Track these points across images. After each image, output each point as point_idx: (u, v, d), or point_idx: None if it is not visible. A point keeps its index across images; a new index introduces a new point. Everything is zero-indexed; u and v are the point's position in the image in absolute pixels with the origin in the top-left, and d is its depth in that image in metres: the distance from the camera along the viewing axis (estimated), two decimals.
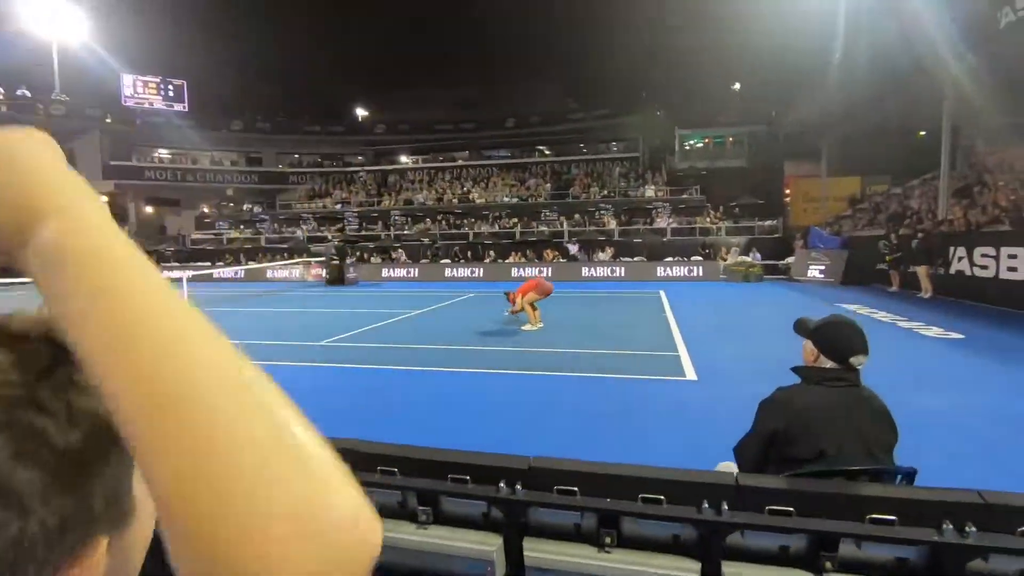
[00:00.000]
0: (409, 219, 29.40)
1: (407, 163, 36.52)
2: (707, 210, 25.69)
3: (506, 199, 29.65)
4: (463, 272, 22.54)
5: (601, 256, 22.48)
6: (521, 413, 5.35)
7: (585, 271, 21.37)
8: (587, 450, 4.30)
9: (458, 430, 4.90)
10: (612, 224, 25.69)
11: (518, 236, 25.82)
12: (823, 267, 18.29)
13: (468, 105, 36.47)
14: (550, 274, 21.40)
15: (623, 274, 20.98)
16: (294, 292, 18.72)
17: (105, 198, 22.94)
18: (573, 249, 23.29)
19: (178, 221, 34.34)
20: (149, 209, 34.66)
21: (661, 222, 25.27)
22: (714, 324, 10.68)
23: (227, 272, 22.62)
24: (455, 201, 30.35)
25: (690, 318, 11.20)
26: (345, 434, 4.93)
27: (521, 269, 21.96)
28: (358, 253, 24.84)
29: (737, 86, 32.78)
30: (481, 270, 22.48)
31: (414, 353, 8.08)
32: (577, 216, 26.66)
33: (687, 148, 32.16)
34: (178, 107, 33.92)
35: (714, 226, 24.27)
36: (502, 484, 1.92)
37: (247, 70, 36.01)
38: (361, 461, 2.09)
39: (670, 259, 21.45)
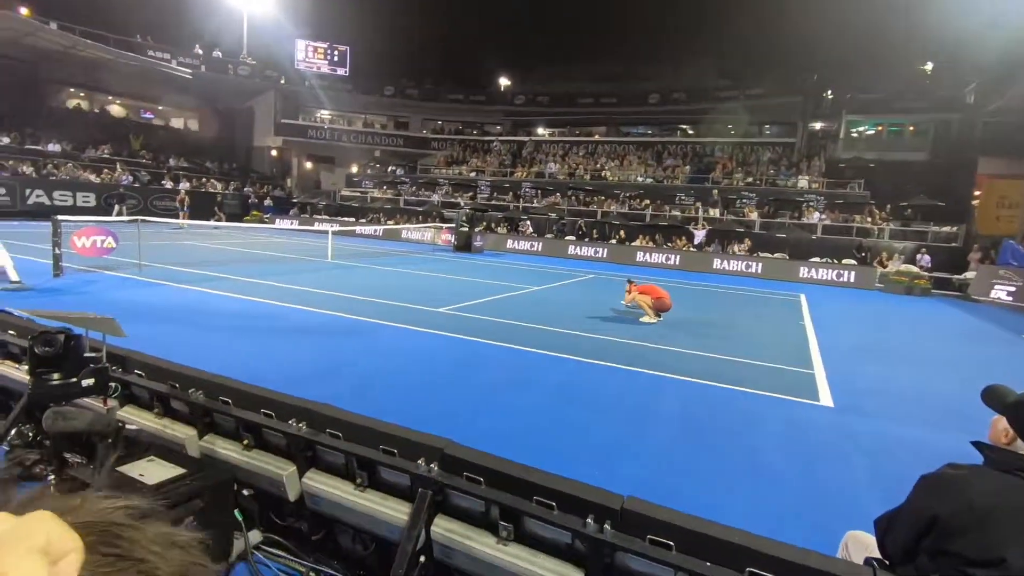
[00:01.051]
0: (539, 192, 29.44)
1: (543, 135, 36.44)
2: (870, 208, 22.72)
3: (640, 179, 28.53)
4: (587, 251, 22.20)
5: (737, 249, 20.89)
6: (621, 413, 5.11)
7: (717, 263, 20.02)
8: (685, 469, 3.97)
9: (554, 424, 4.79)
10: (753, 215, 23.71)
11: (648, 219, 24.81)
12: (1013, 288, 15.44)
13: (610, 79, 35.30)
14: (678, 263, 20.39)
15: (759, 270, 19.35)
16: (424, 255, 19.68)
17: (275, 152, 25.67)
18: (699, 236, 21.88)
19: (331, 177, 37.57)
20: (308, 165, 38.25)
21: (811, 217, 22.82)
22: (863, 342, 9.46)
23: (368, 229, 24.35)
24: (587, 177, 29.81)
25: (833, 330, 10.03)
26: (441, 407, 5.05)
27: (647, 254, 21.12)
28: (486, 222, 25.44)
29: (929, 66, 28.25)
30: (605, 251, 21.98)
31: (525, 332, 8.08)
32: (714, 201, 24.94)
33: (854, 136, 28.58)
34: (340, 72, 36.69)
35: (876, 227, 21.43)
36: (590, 520, 1.77)
37: (404, 37, 37.82)
38: (450, 462, 2.05)
39: (817, 259, 19.35)
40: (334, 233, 17.28)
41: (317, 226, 24.05)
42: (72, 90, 32.09)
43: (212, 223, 23.63)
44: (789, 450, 4.50)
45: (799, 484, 3.90)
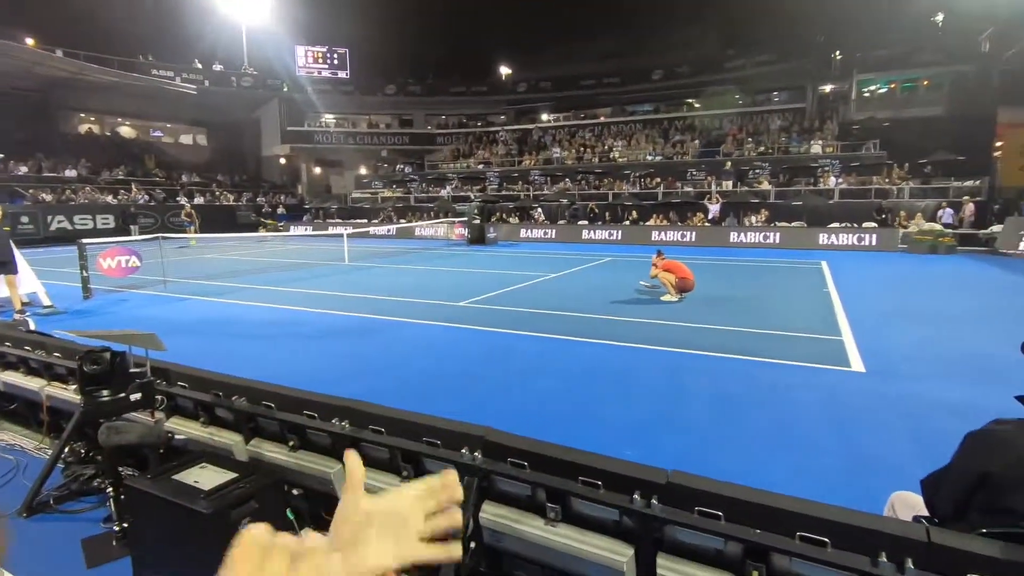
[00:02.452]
0: (548, 179, 29.32)
1: (547, 121, 36.21)
2: (887, 168, 22.23)
3: (649, 157, 28.24)
4: (601, 234, 22.11)
5: (753, 220, 20.63)
6: (652, 392, 5.12)
7: (733, 236, 19.81)
8: (724, 443, 3.97)
9: (587, 407, 4.82)
10: (767, 184, 23.35)
11: (660, 197, 24.59)
12: None
13: (611, 56, 34.87)
14: (694, 239, 20.23)
15: (778, 240, 19.10)
16: (439, 250, 19.77)
17: (284, 160, 25.83)
18: (714, 209, 21.63)
19: (341, 181, 37.81)
20: (317, 170, 38.49)
21: (828, 182, 22.41)
22: (890, 305, 9.31)
23: (381, 229, 24.51)
24: (595, 160, 29.60)
25: (859, 295, 9.88)
26: (475, 397, 5.10)
27: (663, 233, 20.96)
28: (498, 213, 25.43)
29: (939, 17, 27.43)
30: (620, 232, 21.86)
31: (548, 319, 8.10)
32: (726, 173, 24.60)
33: (866, 96, 27.94)
34: (341, 74, 36.79)
35: (894, 187, 20.99)
36: (636, 496, 1.80)
37: (401, 34, 37.73)
38: (493, 449, 2.09)
39: (836, 225, 19.04)
40: (348, 236, 17.43)
41: (331, 230, 24.27)
42: (83, 115, 32.65)
43: (259, 235, 23.92)
44: (825, 418, 4.47)
45: (838, 450, 3.88)
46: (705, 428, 4.32)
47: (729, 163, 25.28)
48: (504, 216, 25.64)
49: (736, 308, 8.78)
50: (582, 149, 30.88)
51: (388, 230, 24.48)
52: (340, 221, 27.75)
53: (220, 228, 23.39)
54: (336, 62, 36.68)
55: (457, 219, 24.27)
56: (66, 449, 3.33)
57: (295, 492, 2.59)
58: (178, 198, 28.18)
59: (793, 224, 19.98)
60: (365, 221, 27.32)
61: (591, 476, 1.89)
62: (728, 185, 24.08)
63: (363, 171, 36.81)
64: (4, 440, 4.09)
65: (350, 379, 5.61)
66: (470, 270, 14.39)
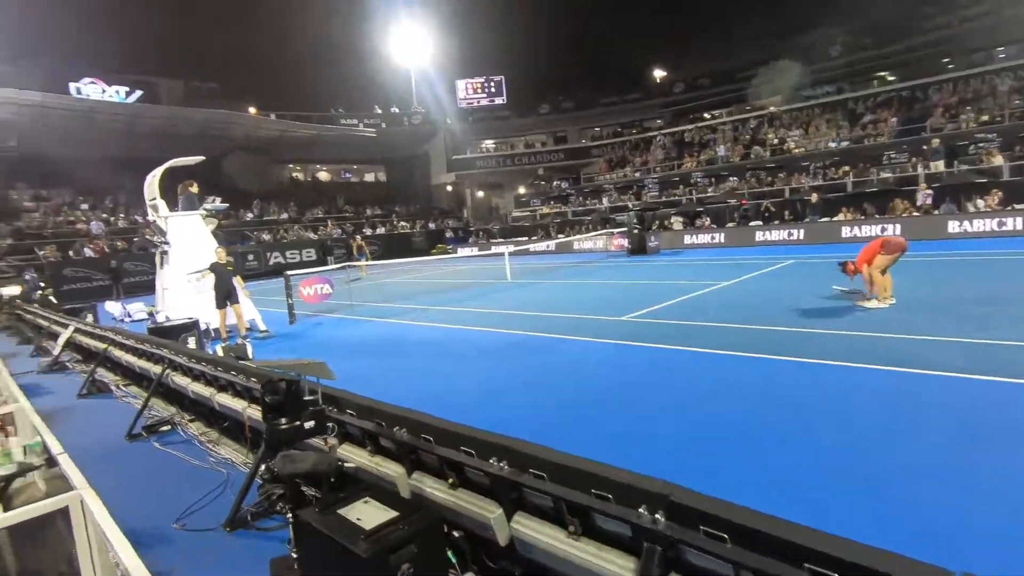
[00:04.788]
0: (713, 179, 27.38)
1: (708, 119, 34.00)
2: None
3: (832, 144, 24.90)
4: (778, 235, 19.90)
5: (981, 204, 16.94)
6: (861, 419, 4.17)
7: (953, 226, 16.44)
8: (985, 489, 2.98)
9: (772, 438, 4.07)
10: (998, 159, 19.07)
11: (850, 188, 21.46)
12: None
13: (778, 38, 31.66)
14: (898, 233, 17.22)
15: (1019, 226, 15.39)
16: (599, 263, 19.39)
17: (450, 187, 27.49)
18: (923, 196, 18.11)
19: (502, 201, 39.53)
20: (480, 193, 40.74)
21: None
22: None
23: (540, 245, 24.88)
24: (766, 154, 26.93)
25: None
26: (640, 425, 4.58)
27: (855, 228, 18.19)
28: (658, 220, 24.34)
29: None
30: (801, 231, 19.46)
31: (720, 332, 7.27)
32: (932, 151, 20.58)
33: None
34: (498, 100, 38.65)
35: None
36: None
37: (550, 53, 38.48)
38: (680, 513, 1.68)
39: None
40: (509, 254, 17.89)
41: (493, 249, 25.25)
42: (291, 165, 38.53)
43: (430, 258, 25.85)
44: None
45: None
46: (948, 469, 3.35)
47: (937, 140, 21.20)
48: (666, 223, 24.45)
49: (969, 314, 7.05)
50: (749, 144, 28.35)
51: (547, 246, 24.75)
52: (502, 240, 28.81)
53: (398, 254, 25.69)
54: (493, 89, 38.66)
55: (616, 230, 23.70)
56: (262, 467, 3.60)
57: (456, 533, 2.42)
58: (364, 230, 31.67)
59: None
60: (525, 238, 28.02)
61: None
62: (938, 166, 20.16)
63: (521, 190, 38.00)
64: (221, 453, 4.64)
65: (510, 394, 5.50)
66: (631, 282, 13.79)
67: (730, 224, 22.37)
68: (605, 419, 4.77)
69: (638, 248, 20.56)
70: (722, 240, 21.20)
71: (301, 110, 34.25)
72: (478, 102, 38.63)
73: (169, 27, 33.99)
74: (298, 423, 2.79)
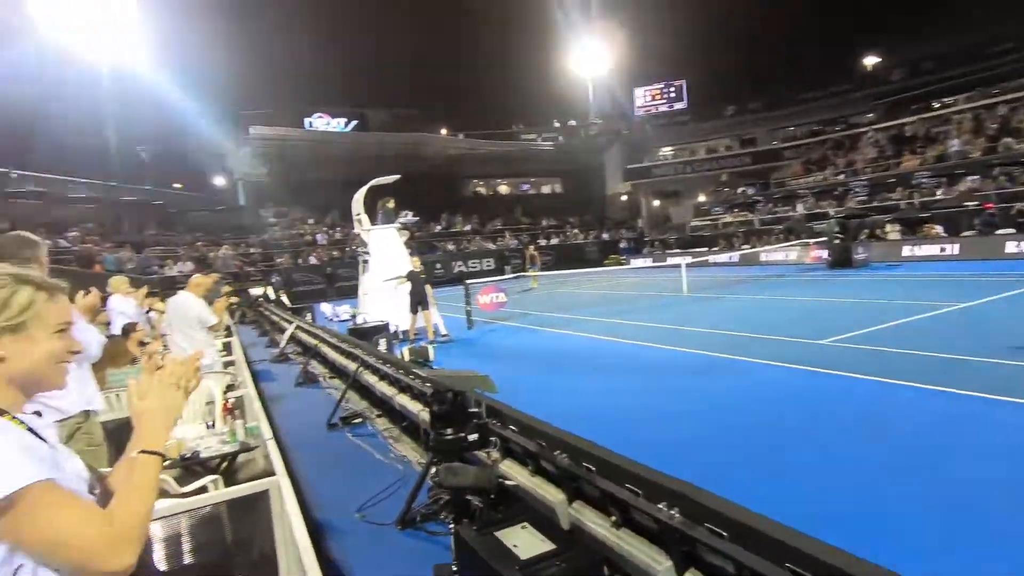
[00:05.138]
0: (944, 180, 22.91)
1: (938, 108, 28.58)
2: None
3: None
4: None
5: None
6: None
7: None
8: None
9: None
10: None
11: None
12: None
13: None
14: None
15: None
16: (791, 276, 17.39)
17: (625, 196, 27.08)
18: None
19: (680, 211, 37.71)
20: (656, 202, 39.38)
21: None
22: None
23: (721, 257, 23.16)
24: (1020, 147, 21.76)
25: None
26: (855, 480, 3.83)
27: None
28: (867, 229, 21.06)
29: None
30: None
31: (956, 366, 5.90)
32: None
33: None
34: (678, 106, 37.13)
35: None
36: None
37: (736, 52, 35.85)
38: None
39: None
40: (687, 266, 16.88)
41: (669, 260, 24.13)
42: (474, 180, 41.33)
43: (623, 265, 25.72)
44: None
45: None
46: None
47: None
48: (877, 232, 21.07)
49: None
50: (994, 134, 23.16)
51: (730, 257, 22.93)
52: (679, 251, 27.43)
53: (570, 264, 25.93)
54: (673, 95, 37.27)
55: (813, 240, 21.05)
56: (433, 470, 3.74)
57: None
58: (539, 240, 32.64)
59: None
60: (705, 249, 26.31)
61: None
62: None
63: (702, 198, 35.88)
64: (400, 450, 4.98)
65: (674, 421, 5.06)
66: (833, 299, 12.05)
67: (968, 232, 18.49)
68: (800, 474, 4.12)
69: (840, 260, 17.98)
70: (956, 252, 17.60)
71: (485, 128, 36.63)
72: (656, 109, 37.51)
73: (374, 59, 38.72)
74: (462, 435, 2.82)
